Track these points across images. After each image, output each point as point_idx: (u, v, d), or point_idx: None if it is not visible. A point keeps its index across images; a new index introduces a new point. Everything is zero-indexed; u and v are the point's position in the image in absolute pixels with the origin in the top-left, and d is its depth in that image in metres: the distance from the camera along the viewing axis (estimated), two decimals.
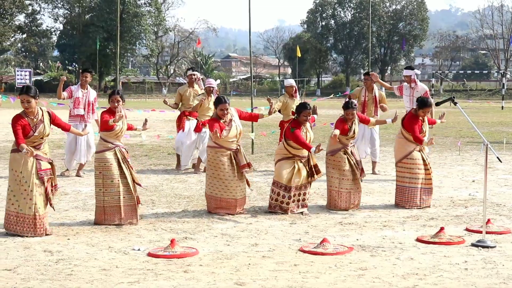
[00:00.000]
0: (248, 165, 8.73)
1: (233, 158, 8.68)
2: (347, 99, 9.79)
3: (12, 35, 78.16)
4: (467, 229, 7.85)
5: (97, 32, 70.51)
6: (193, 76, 13.12)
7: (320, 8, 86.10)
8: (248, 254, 6.67)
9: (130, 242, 7.16)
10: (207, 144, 8.97)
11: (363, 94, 12.59)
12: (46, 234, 7.42)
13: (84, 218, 8.51)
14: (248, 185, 8.95)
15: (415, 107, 11.75)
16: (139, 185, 8.29)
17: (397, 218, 8.54)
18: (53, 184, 7.62)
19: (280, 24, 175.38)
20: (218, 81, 14.03)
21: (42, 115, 7.54)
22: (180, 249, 6.67)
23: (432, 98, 12.07)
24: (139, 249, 6.82)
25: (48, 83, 71.34)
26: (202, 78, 13.63)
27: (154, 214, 8.77)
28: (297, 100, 12.35)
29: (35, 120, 7.43)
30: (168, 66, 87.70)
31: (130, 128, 8.54)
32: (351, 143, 9.32)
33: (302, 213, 8.78)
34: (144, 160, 13.94)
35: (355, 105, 9.33)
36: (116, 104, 8.14)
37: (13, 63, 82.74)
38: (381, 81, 13.05)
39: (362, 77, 13.37)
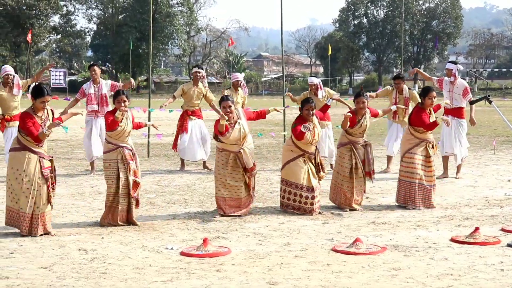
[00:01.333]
0: (253, 168, 8.61)
1: (237, 159, 8.56)
2: (360, 90, 9.64)
3: (47, 36, 79.23)
4: (502, 229, 7.73)
5: (130, 32, 71.02)
6: (197, 74, 12.78)
7: (352, 7, 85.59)
8: (281, 254, 6.66)
9: (163, 241, 7.21)
10: (216, 145, 8.83)
11: (394, 95, 12.51)
12: (46, 234, 7.45)
13: None
14: (249, 187, 8.69)
15: (455, 103, 11.70)
16: (133, 191, 8.01)
17: (431, 218, 8.46)
18: (53, 182, 7.63)
19: (312, 23, 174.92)
20: (243, 74, 13.91)
21: (47, 113, 7.67)
22: (212, 248, 6.69)
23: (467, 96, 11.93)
24: (172, 248, 6.86)
25: (82, 83, 71.80)
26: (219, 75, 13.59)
27: (187, 213, 8.81)
28: (321, 98, 12.27)
29: (42, 117, 7.55)
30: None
31: (139, 126, 8.59)
32: (364, 141, 9.17)
33: (320, 212, 8.75)
34: (177, 159, 14.00)
35: (366, 95, 9.26)
36: (123, 105, 8.09)
37: (48, 63, 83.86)
38: (421, 71, 13.12)
39: (392, 80, 13.21)
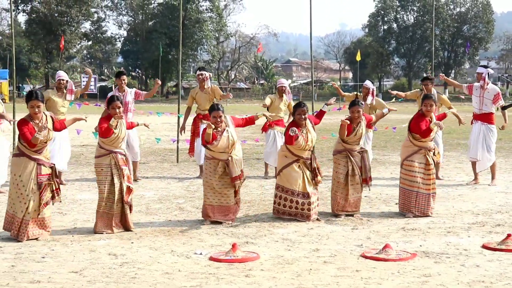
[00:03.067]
0: (239, 176, 8.46)
1: (225, 167, 8.43)
2: (355, 98, 9.51)
3: (78, 42, 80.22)
4: None
5: (160, 38, 71.60)
6: (200, 76, 12.67)
7: (382, 12, 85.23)
8: (310, 259, 6.64)
9: (192, 246, 7.23)
10: (204, 154, 8.73)
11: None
12: (34, 239, 7.46)
13: (147, 221, 8.64)
14: (235, 195, 8.59)
15: (484, 109, 11.54)
16: (126, 197, 7.98)
17: (462, 224, 8.37)
18: (55, 188, 7.65)
19: (342, 28, 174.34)
20: (289, 81, 13.90)
21: (46, 120, 7.64)
22: (241, 254, 6.69)
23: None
24: (201, 253, 6.88)
25: (112, 89, 72.82)
26: (262, 83, 13.61)
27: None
28: (368, 103, 12.31)
29: (40, 124, 7.52)
30: (229, 71, 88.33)
31: (131, 126, 8.63)
32: (360, 148, 9.05)
33: (318, 219, 8.65)
34: None
35: (362, 103, 9.10)
36: (117, 111, 8.00)
37: (79, 69, 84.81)
38: (449, 79, 12.97)
39: (420, 82, 13.10)
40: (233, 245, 6.78)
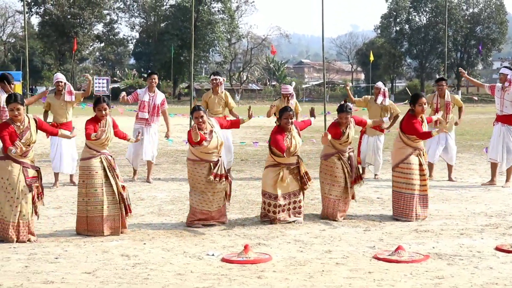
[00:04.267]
0: (221, 176, 8.31)
1: (212, 169, 8.33)
2: (343, 102, 9.37)
3: (91, 44, 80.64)
4: None
5: (172, 40, 71.76)
6: (214, 81, 12.77)
7: (394, 13, 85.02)
8: (322, 261, 6.64)
9: (204, 247, 7.24)
10: (187, 157, 8.59)
11: (435, 100, 12.29)
12: (28, 241, 7.44)
13: (159, 222, 8.66)
14: (227, 198, 8.57)
15: (506, 110, 11.41)
16: (122, 195, 7.92)
17: (475, 226, 8.33)
18: (39, 192, 7.62)
19: (354, 29, 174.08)
20: (293, 83, 13.87)
21: (29, 122, 7.56)
22: (253, 255, 6.69)
23: None
24: (213, 255, 6.89)
25: (124, 91, 72.96)
26: (274, 85, 13.57)
27: (228, 220, 8.82)
28: (379, 103, 12.39)
29: (21, 127, 7.46)
30: (241, 73, 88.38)
31: (123, 137, 8.50)
32: (349, 149, 8.93)
33: (294, 221, 8.53)
34: None
35: (350, 108, 8.90)
36: (104, 113, 7.92)
37: (91, 71, 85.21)
38: (470, 77, 12.91)
39: (434, 83, 13.06)
40: (245, 247, 6.78)
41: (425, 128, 8.89)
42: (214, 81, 12.77)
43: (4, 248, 7.18)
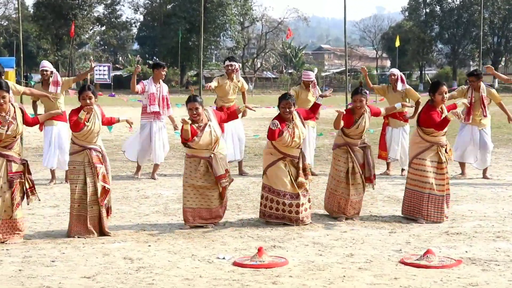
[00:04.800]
0: (224, 176, 8.34)
1: (208, 166, 8.34)
2: (358, 85, 9.27)
3: (91, 27, 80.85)
4: None
5: (179, 23, 71.80)
6: (229, 67, 12.70)
7: None
8: (343, 266, 6.64)
9: (214, 250, 7.27)
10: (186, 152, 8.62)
11: (470, 94, 12.21)
12: (2, 242, 7.46)
13: (165, 223, 8.70)
14: (222, 196, 8.54)
15: None
16: (101, 199, 7.90)
17: None
18: (28, 187, 7.65)
19: (379, 12, 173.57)
20: (316, 69, 13.81)
21: (15, 112, 7.59)
22: (268, 259, 6.71)
23: None
24: (224, 258, 6.92)
25: (127, 78, 73.17)
26: (291, 72, 13.52)
27: (240, 220, 8.86)
28: (401, 90, 12.52)
29: (7, 117, 7.49)
30: (255, 59, 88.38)
31: (110, 121, 8.46)
32: (362, 143, 8.86)
33: (310, 222, 8.55)
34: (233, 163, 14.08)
35: (365, 92, 8.87)
36: (88, 101, 7.89)
37: (91, 57, 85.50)
38: (496, 72, 12.87)
39: (467, 77, 12.96)
40: (259, 249, 6.80)
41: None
42: (230, 67, 12.69)
43: None
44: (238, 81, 12.78)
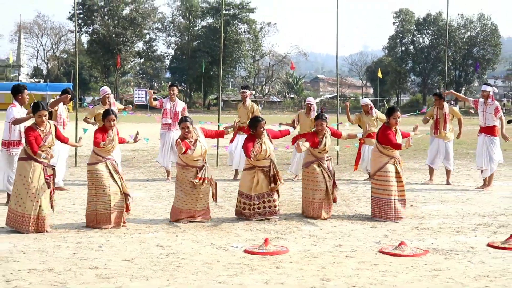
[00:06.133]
0: (204, 179, 8.18)
1: (197, 173, 8.23)
2: (320, 111, 9.19)
3: (132, 59, 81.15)
4: None
5: (203, 56, 71.94)
6: (242, 94, 12.87)
7: (400, 35, 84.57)
8: (333, 254, 6.63)
9: (229, 240, 7.26)
10: (176, 162, 8.50)
11: (435, 112, 12.35)
12: (46, 231, 7.44)
13: None
14: (214, 198, 8.45)
15: (488, 122, 11.42)
16: (128, 195, 7.97)
17: (469, 225, 8.27)
18: (53, 188, 7.63)
19: (364, 49, 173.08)
20: (318, 99, 13.90)
21: (50, 127, 7.64)
22: (272, 248, 6.70)
23: (504, 116, 11.73)
24: (237, 247, 6.91)
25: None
26: (292, 97, 13.56)
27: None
28: (372, 117, 12.70)
29: (44, 131, 7.54)
30: (264, 86, 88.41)
31: (121, 141, 8.38)
32: (327, 157, 8.77)
33: (268, 219, 8.42)
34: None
35: (326, 117, 8.77)
36: (112, 124, 7.90)
37: (132, 83, 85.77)
38: (455, 92, 13.16)
39: (432, 97, 13.11)
40: (266, 240, 6.80)
41: (399, 139, 8.71)
42: (243, 94, 12.88)
43: (55, 237, 7.26)
44: (249, 104, 12.80)
